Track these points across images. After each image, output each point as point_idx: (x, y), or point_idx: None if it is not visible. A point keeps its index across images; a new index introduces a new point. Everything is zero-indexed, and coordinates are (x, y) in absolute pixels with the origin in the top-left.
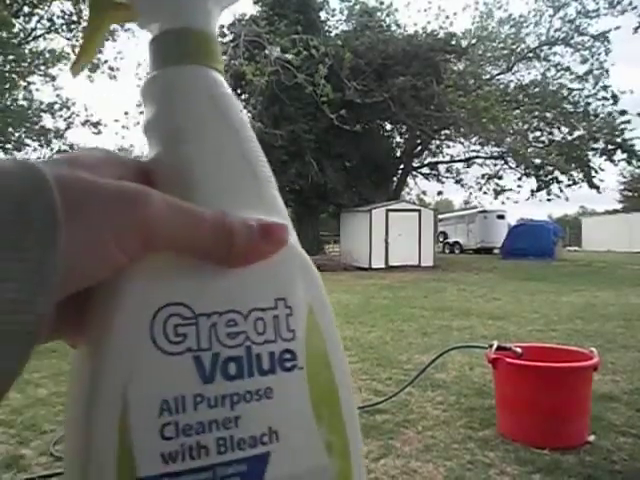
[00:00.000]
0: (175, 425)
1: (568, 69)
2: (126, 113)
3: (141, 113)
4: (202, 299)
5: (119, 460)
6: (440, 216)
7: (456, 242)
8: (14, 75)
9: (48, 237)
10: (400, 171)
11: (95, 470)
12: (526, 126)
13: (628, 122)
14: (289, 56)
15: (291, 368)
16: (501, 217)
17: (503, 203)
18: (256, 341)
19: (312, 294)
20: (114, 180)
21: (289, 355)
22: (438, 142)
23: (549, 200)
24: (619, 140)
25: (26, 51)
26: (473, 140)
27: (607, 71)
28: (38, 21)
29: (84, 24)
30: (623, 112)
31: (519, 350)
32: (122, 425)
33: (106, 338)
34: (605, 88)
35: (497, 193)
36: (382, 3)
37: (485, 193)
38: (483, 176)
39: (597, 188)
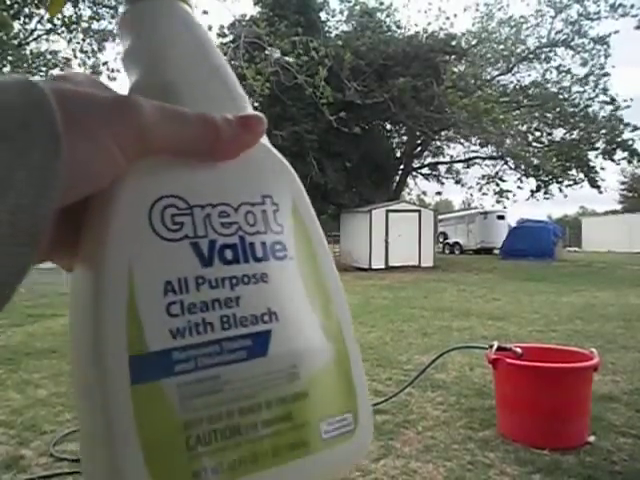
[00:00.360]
0: (180, 304)
1: (569, 71)
2: None
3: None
4: (195, 192)
5: (130, 339)
6: (440, 216)
7: (456, 242)
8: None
9: (50, 147)
10: (400, 171)
11: (108, 352)
12: (526, 127)
13: (627, 125)
14: (289, 59)
15: (283, 257)
16: (501, 218)
17: (498, 202)
18: (248, 231)
19: (294, 193)
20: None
21: (279, 246)
22: (438, 143)
23: (547, 199)
24: (619, 140)
25: (27, 52)
26: (473, 141)
27: (606, 74)
28: (38, 21)
29: (84, 25)
30: (621, 120)
31: (519, 350)
32: (130, 307)
33: (106, 233)
34: (605, 92)
35: (497, 193)
36: (382, 3)
37: (484, 194)
38: (483, 177)
39: (598, 187)
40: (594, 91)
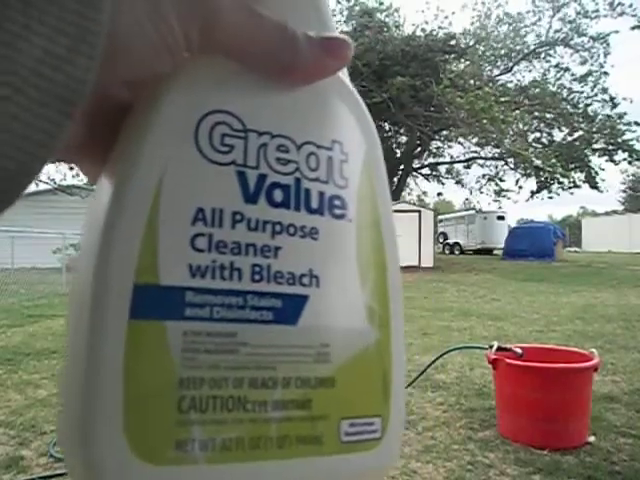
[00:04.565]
0: (209, 238)
1: (567, 69)
2: None
3: None
4: (255, 114)
5: (140, 265)
6: (440, 217)
7: (456, 243)
8: None
9: None
10: (400, 172)
11: (110, 273)
12: (526, 127)
13: (628, 124)
14: None
15: (340, 216)
16: (501, 218)
17: (495, 201)
18: (307, 176)
19: (368, 145)
20: None
21: (339, 202)
22: (439, 143)
23: (550, 198)
24: (619, 140)
25: None
26: (473, 141)
27: (606, 73)
28: None
29: None
30: (621, 116)
31: (519, 351)
32: (149, 228)
33: (142, 138)
34: (605, 90)
35: (496, 193)
36: (382, 4)
37: (482, 193)
38: (483, 176)
39: (597, 188)
40: (592, 90)
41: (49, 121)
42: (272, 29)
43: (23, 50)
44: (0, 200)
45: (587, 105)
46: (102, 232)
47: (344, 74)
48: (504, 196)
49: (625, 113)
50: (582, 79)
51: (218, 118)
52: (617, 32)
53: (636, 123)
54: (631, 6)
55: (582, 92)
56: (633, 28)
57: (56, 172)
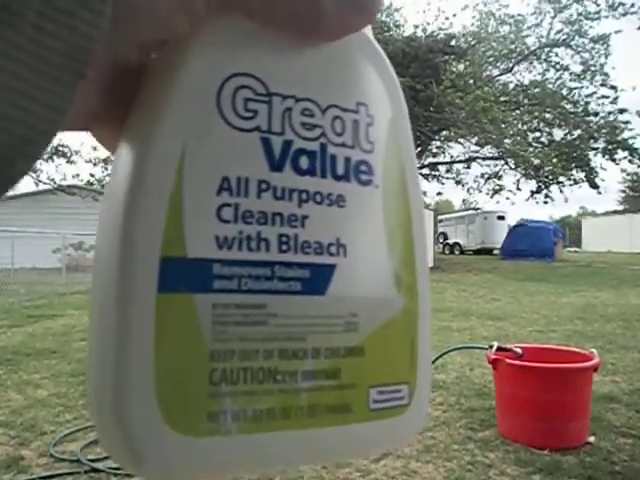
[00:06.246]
0: (235, 208)
1: (567, 68)
2: None
3: None
4: (278, 77)
5: (166, 238)
6: (440, 217)
7: (456, 243)
8: None
9: None
10: None
11: (136, 248)
12: (526, 127)
13: (628, 122)
14: None
15: (367, 182)
16: (501, 218)
17: (492, 198)
18: (333, 141)
19: (394, 107)
20: None
21: (366, 168)
22: (439, 143)
23: (546, 203)
24: (619, 139)
25: None
26: (473, 141)
27: (607, 74)
28: None
29: None
30: (623, 110)
31: (519, 351)
32: (174, 199)
33: (163, 105)
34: (604, 82)
35: (495, 192)
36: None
37: (481, 192)
38: (482, 176)
39: (597, 188)
40: (589, 88)
41: (56, 81)
42: None
43: None
44: (15, 169)
45: (587, 103)
46: (125, 205)
47: (369, 32)
48: (503, 195)
49: (626, 110)
50: (581, 77)
51: (240, 81)
52: (619, 32)
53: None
54: (633, 6)
55: (582, 87)
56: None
57: (56, 172)
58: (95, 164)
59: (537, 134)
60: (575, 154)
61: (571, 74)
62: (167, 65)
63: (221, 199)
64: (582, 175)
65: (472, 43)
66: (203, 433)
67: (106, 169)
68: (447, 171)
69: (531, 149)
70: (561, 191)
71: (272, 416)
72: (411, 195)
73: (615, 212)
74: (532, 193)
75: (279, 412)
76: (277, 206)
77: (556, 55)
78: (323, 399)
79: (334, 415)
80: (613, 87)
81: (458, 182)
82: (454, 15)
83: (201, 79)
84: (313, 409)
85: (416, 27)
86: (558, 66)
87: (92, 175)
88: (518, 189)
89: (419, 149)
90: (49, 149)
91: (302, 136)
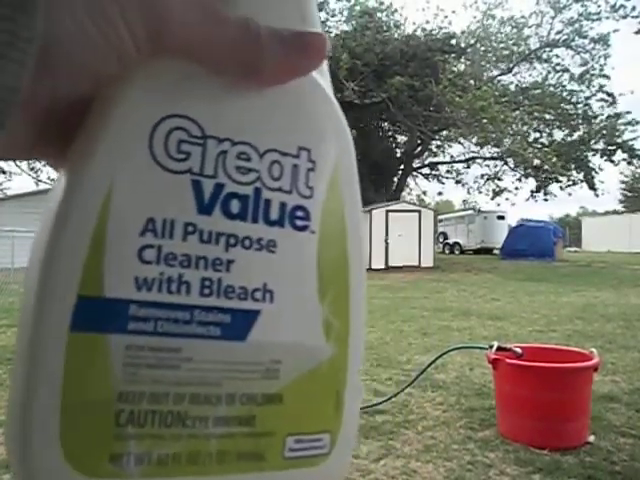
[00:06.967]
0: (158, 250)
1: (567, 70)
2: None
3: None
4: (215, 120)
5: (85, 275)
6: (440, 217)
7: (456, 243)
8: None
9: None
10: (400, 171)
11: (53, 284)
12: (526, 127)
13: (629, 124)
14: None
15: (302, 228)
16: (501, 218)
17: (493, 199)
18: (269, 185)
19: (339, 152)
20: None
21: (302, 213)
22: (439, 142)
23: (546, 200)
24: (619, 140)
25: None
26: (473, 140)
27: (606, 76)
28: None
29: None
30: (619, 115)
31: (519, 350)
32: (96, 237)
33: (94, 143)
34: (602, 88)
35: (495, 193)
36: (382, 3)
37: (481, 193)
38: (482, 176)
39: (595, 189)
40: (588, 88)
41: None
42: (232, 27)
43: None
44: None
45: (587, 105)
46: (48, 240)
47: (321, 72)
48: (503, 195)
49: (628, 112)
50: (581, 78)
51: (175, 123)
52: (616, 31)
53: (636, 122)
54: (634, 9)
55: (582, 90)
56: (637, 32)
57: (56, 172)
58: None
59: (537, 134)
60: (575, 155)
61: (571, 76)
62: (104, 103)
63: (144, 240)
64: (581, 176)
65: (471, 42)
66: (104, 475)
67: None
68: (447, 171)
69: (531, 149)
70: (561, 188)
71: (178, 461)
72: (350, 240)
73: (615, 212)
74: (532, 193)
75: (186, 457)
76: (202, 249)
77: (557, 56)
78: (235, 446)
79: (245, 462)
80: (610, 94)
81: (458, 182)
82: (453, 12)
83: (134, 119)
84: (223, 456)
85: (414, 24)
86: (558, 67)
87: None
88: (517, 189)
89: (419, 148)
90: None
91: (235, 180)
